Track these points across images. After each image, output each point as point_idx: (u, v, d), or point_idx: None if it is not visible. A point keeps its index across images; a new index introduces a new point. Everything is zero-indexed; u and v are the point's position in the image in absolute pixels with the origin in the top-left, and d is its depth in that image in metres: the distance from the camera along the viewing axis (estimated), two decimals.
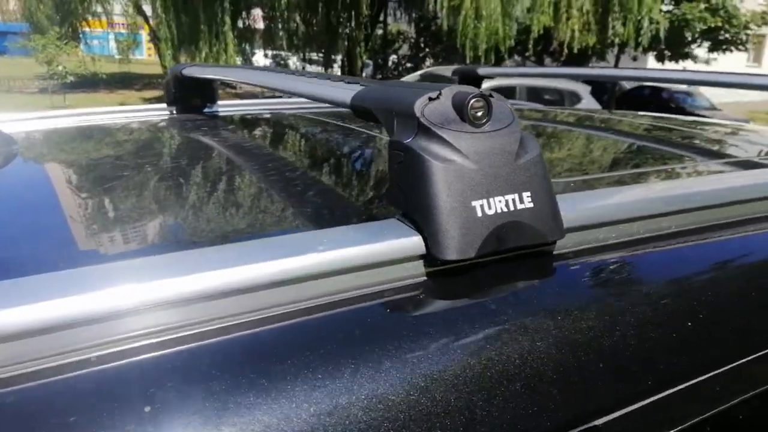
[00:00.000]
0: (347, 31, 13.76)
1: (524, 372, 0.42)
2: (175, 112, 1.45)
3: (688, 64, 17.23)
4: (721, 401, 0.49)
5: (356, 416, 0.36)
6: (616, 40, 14.06)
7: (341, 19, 13.59)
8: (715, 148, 1.29)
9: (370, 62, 15.82)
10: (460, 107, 0.48)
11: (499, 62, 13.07)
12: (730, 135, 1.44)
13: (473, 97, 0.48)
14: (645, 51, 15.56)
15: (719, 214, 0.61)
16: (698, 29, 15.79)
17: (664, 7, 14.89)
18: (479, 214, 0.47)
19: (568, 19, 12.45)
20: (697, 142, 1.30)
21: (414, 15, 15.27)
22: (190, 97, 1.44)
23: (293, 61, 15.46)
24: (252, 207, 0.67)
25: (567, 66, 15.01)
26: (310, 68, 15.62)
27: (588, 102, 8.26)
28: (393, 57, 16.68)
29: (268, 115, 1.44)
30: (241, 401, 0.34)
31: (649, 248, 0.57)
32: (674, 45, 16.06)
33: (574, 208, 0.54)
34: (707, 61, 17.34)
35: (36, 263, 0.51)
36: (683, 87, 15.16)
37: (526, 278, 0.50)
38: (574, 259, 0.53)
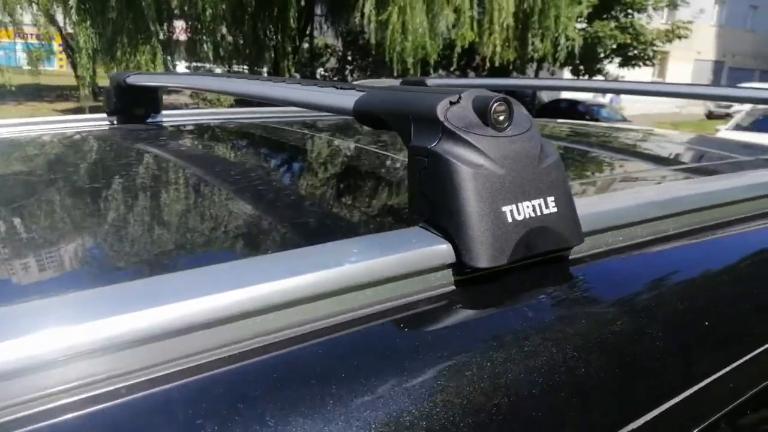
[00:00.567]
0: (274, 43, 13.62)
1: (567, 376, 0.41)
2: (116, 122, 1.37)
3: (600, 79, 18.26)
4: (743, 392, 0.50)
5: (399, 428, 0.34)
6: (535, 56, 14.71)
7: (268, 32, 13.44)
8: (660, 152, 1.35)
9: (297, 75, 15.72)
10: (483, 111, 0.47)
11: (425, 76, 13.33)
12: (654, 138, 1.54)
13: (496, 101, 0.47)
14: (562, 66, 16.37)
15: (715, 215, 0.63)
16: (609, 46, 16.80)
17: (579, 25, 15.72)
18: (509, 219, 0.45)
19: (490, 35, 12.88)
20: (640, 147, 1.37)
21: (341, 29, 15.34)
22: (133, 106, 1.36)
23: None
24: (249, 223, 0.63)
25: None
26: None
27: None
28: (320, 70, 16.65)
29: (225, 125, 1.38)
30: (292, 415, 0.32)
31: (654, 249, 0.58)
32: (588, 61, 17.00)
33: (583, 213, 0.54)
34: (617, 77, 18.44)
35: None
36: (598, 100, 16.05)
37: (553, 283, 0.50)
38: (591, 263, 0.53)
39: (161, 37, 11.20)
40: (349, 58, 16.33)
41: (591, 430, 0.41)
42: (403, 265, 0.43)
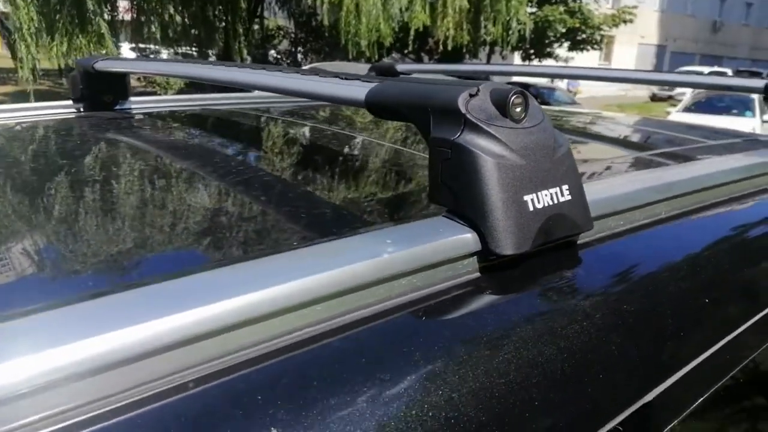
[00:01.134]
0: (224, 24, 13.26)
1: (592, 352, 0.44)
2: (83, 109, 1.32)
3: (550, 62, 18.63)
4: (748, 354, 0.55)
5: (439, 414, 0.35)
6: (488, 39, 14.85)
7: (217, 12, 13.07)
8: (634, 137, 1.40)
9: (249, 58, 15.38)
10: (502, 104, 0.48)
11: (380, 59, 13.28)
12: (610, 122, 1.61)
13: (514, 94, 0.48)
14: (513, 50, 16.60)
15: (702, 197, 0.67)
16: (559, 30, 17.11)
17: (529, 9, 15.94)
18: (531, 208, 0.47)
19: (444, 18, 12.92)
20: (614, 132, 1.42)
21: (293, 10, 15.07)
22: (101, 92, 1.32)
23: (166, 55, 14.63)
24: (261, 217, 0.63)
25: (443, 62, 15.62)
26: None
27: None
28: (272, 52, 16.34)
29: (202, 112, 1.35)
30: (344, 391, 0.34)
31: (651, 231, 0.61)
32: (539, 44, 17.28)
33: (589, 200, 0.57)
34: (566, 60, 18.85)
35: None
36: (548, 83, 16.37)
37: (568, 266, 0.52)
38: (598, 246, 0.56)
39: (105, 17, 10.73)
40: (302, 40, 16.08)
41: (618, 398, 0.44)
42: (434, 254, 0.44)
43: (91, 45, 9.99)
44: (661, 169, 0.72)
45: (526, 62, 18.22)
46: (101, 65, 1.23)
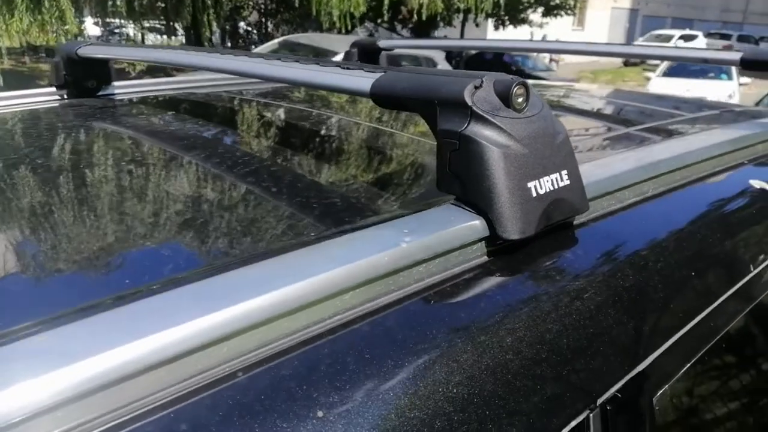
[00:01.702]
0: None
1: (595, 321, 0.49)
2: (66, 96, 1.31)
3: (524, 28, 18.58)
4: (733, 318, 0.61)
5: (463, 382, 0.39)
6: (461, 7, 14.71)
7: None
8: (615, 112, 1.44)
9: (218, 31, 14.99)
10: (505, 95, 0.51)
11: (352, 29, 13.09)
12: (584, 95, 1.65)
13: (516, 85, 0.51)
14: (487, 17, 16.48)
15: (684, 174, 0.71)
16: None
17: None
18: (534, 194, 0.51)
19: None
20: (594, 107, 1.45)
21: None
22: (84, 78, 1.30)
23: (132, 30, 14.20)
24: (271, 209, 0.64)
25: (417, 31, 15.52)
26: (150, 37, 14.44)
27: (443, 66, 8.64)
28: (242, 24, 15.95)
29: (188, 96, 1.34)
30: (378, 370, 0.37)
31: (640, 209, 0.65)
32: (512, 11, 17.18)
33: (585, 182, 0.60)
34: (540, 25, 18.82)
35: None
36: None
37: (568, 246, 0.56)
38: (593, 225, 0.59)
39: None
40: (273, 11, 15.73)
41: (622, 362, 0.49)
42: (447, 241, 0.47)
43: (53, 20, 9.63)
44: (647, 147, 0.76)
45: (501, 29, 18.13)
46: (85, 51, 1.21)
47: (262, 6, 15.54)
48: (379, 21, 15.32)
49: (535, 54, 14.90)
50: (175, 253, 0.52)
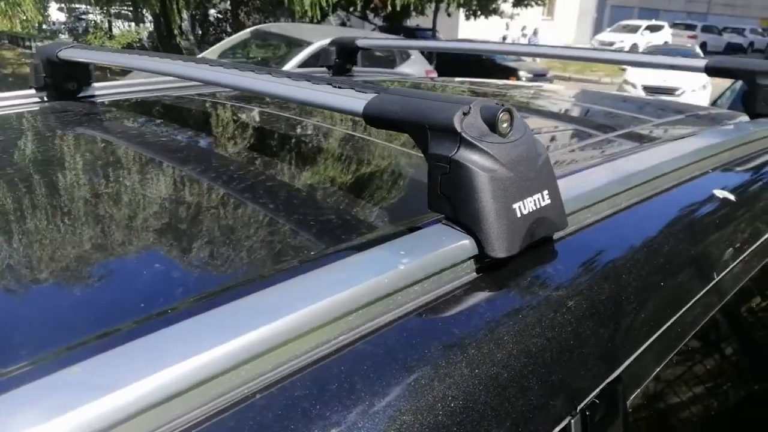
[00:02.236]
0: None
1: (577, 326, 0.54)
2: (46, 98, 1.30)
3: (494, 19, 18.69)
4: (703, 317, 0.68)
5: (460, 392, 0.43)
6: None
7: None
8: (587, 117, 1.49)
9: (187, 18, 14.71)
10: (491, 121, 0.54)
11: (323, 18, 13.00)
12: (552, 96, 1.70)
13: (502, 112, 0.54)
14: (459, 6, 16.53)
15: (656, 184, 0.76)
16: None
17: None
18: (519, 215, 0.54)
19: None
20: (568, 111, 1.50)
21: None
22: (65, 80, 1.30)
23: (97, 17, 13.86)
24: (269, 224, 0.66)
25: (388, 22, 15.48)
26: (118, 23, 14.11)
27: (416, 58, 8.64)
28: (213, 12, 15.70)
29: (169, 100, 1.34)
30: (381, 387, 0.41)
31: (615, 220, 0.69)
32: (484, 1, 17.26)
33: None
34: (511, 16, 18.95)
35: None
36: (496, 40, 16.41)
37: (549, 261, 0.60)
38: (570, 239, 0.63)
39: None
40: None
41: (599, 369, 0.54)
42: (440, 261, 0.51)
43: (8, 8, 9.30)
44: (619, 159, 0.80)
45: (472, 18, 18.21)
46: (65, 54, 1.21)
47: None
48: (351, 10, 15.25)
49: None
50: (186, 276, 0.54)
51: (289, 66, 7.32)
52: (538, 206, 0.56)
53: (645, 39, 24.97)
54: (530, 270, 0.57)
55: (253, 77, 0.77)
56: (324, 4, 12.03)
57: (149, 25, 13.70)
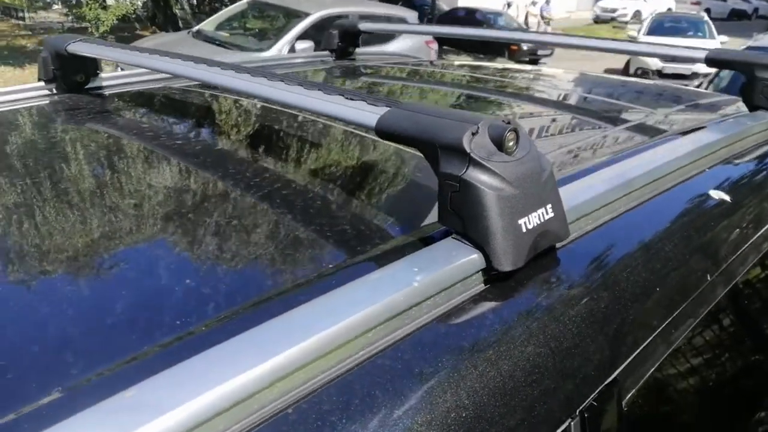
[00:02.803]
0: None
1: (582, 329, 0.58)
2: (55, 90, 1.33)
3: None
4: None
5: (475, 396, 0.47)
6: None
7: None
8: (588, 110, 1.51)
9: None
10: (499, 140, 0.57)
11: None
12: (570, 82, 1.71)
13: (508, 131, 0.57)
14: None
15: (654, 187, 0.80)
16: None
17: None
18: (524, 230, 0.58)
19: None
20: (563, 102, 1.52)
21: None
22: (73, 72, 1.32)
23: None
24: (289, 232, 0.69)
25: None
26: None
27: (412, 21, 8.56)
28: None
29: (177, 91, 1.36)
30: (397, 404, 0.45)
31: (613, 226, 0.73)
32: None
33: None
34: None
35: None
36: (495, 9, 16.22)
37: (552, 270, 0.64)
38: (572, 247, 0.67)
39: None
40: None
41: (597, 372, 0.58)
42: (451, 276, 0.54)
43: None
44: (616, 164, 0.82)
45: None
46: (74, 48, 1.23)
47: None
48: None
49: (506, 12, 14.81)
50: (220, 293, 0.58)
51: (288, 37, 7.26)
52: (542, 220, 0.60)
53: (648, 5, 24.62)
54: (534, 280, 0.61)
55: (266, 85, 0.79)
56: None
57: None
